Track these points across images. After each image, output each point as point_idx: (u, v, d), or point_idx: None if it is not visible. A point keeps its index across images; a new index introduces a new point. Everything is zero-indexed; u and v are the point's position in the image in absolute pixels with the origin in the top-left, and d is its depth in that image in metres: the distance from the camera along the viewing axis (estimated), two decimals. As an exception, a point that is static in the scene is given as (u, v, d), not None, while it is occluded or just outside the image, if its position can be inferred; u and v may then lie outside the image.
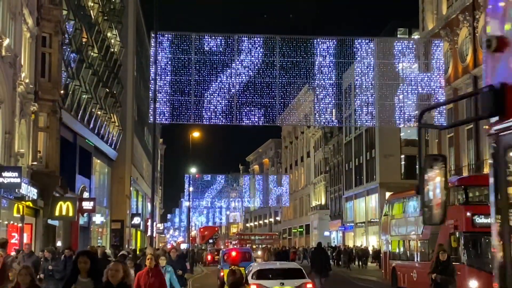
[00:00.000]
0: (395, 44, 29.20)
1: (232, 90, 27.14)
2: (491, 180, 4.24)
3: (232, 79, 27.16)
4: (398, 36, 55.56)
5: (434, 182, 4.73)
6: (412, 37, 53.28)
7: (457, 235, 22.03)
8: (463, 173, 35.57)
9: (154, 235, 35.66)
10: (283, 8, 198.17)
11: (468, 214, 21.71)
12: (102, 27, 41.40)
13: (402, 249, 28.14)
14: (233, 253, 26.99)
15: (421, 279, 24.12)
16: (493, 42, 4.22)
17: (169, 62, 27.12)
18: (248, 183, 78.26)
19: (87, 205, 31.84)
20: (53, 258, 16.62)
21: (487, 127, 4.30)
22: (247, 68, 27.17)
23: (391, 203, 30.18)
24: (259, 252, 50.05)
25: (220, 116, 27.00)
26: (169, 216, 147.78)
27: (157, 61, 26.88)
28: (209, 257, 54.09)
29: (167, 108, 26.98)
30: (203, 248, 69.58)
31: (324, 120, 29.40)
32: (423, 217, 4.94)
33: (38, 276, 13.72)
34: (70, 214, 27.15)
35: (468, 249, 21.82)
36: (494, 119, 4.22)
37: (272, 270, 18.70)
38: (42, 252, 17.68)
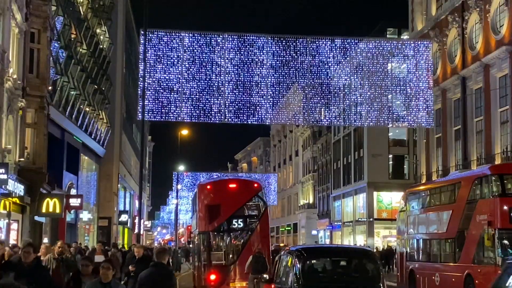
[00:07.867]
0: (384, 44, 29.31)
1: (221, 88, 27.14)
2: None
3: (222, 77, 27.15)
4: (387, 36, 55.72)
5: None
6: (401, 37, 53.45)
7: (491, 233, 19.16)
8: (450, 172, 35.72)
9: (141, 233, 35.53)
10: (273, 8, 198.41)
11: (505, 207, 19.08)
12: (91, 23, 41.19)
13: (421, 250, 25.47)
14: None
15: (445, 283, 22.16)
16: None
17: (158, 60, 27.05)
18: (236, 181, 77.81)
19: (74, 202, 31.60)
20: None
21: None
22: (236, 67, 27.18)
23: (409, 198, 27.51)
24: None
25: (209, 114, 26.99)
26: (156, 213, 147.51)
27: (146, 58, 26.80)
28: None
29: (156, 106, 26.92)
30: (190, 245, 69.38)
31: (313, 119, 29.47)
32: None
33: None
34: (57, 210, 26.94)
35: (505, 249, 18.83)
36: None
37: None
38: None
